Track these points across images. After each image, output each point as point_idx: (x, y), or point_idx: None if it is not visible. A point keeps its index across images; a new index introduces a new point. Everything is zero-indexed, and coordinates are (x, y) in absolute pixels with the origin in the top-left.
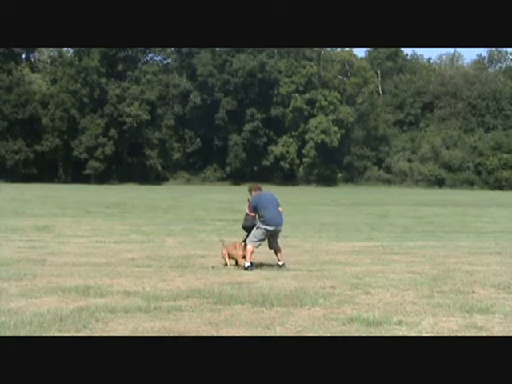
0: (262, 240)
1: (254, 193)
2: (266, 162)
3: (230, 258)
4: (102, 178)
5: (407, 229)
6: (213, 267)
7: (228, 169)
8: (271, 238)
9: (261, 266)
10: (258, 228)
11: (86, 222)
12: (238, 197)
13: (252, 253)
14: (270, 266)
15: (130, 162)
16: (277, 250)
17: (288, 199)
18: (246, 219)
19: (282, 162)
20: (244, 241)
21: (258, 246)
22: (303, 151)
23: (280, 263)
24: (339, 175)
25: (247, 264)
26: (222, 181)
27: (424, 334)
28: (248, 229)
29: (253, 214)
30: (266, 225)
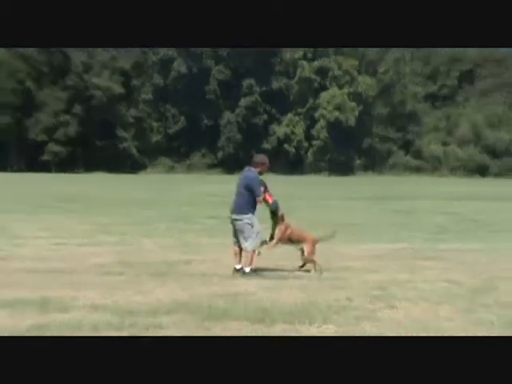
0: (235, 236)
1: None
2: (266, 146)
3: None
4: (65, 166)
5: (442, 228)
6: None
7: (220, 154)
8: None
9: (259, 272)
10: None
11: (45, 219)
12: (233, 188)
13: (235, 254)
14: (273, 271)
15: (98, 146)
16: (240, 249)
17: (293, 191)
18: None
19: (286, 146)
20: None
21: (236, 245)
22: (312, 132)
23: (237, 267)
24: (357, 162)
25: (247, 269)
26: (212, 169)
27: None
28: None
29: (262, 198)
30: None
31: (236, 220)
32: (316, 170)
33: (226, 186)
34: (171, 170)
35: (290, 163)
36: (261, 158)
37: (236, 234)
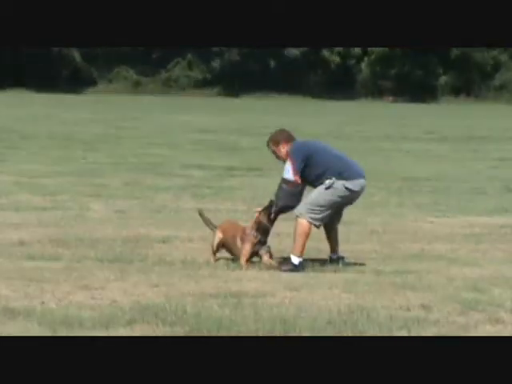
0: (329, 212)
1: (284, 145)
2: (292, 52)
3: (226, 250)
4: None
5: None
6: None
7: (216, 64)
8: (338, 212)
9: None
10: (329, 188)
11: None
12: (238, 120)
13: (307, 236)
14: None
15: (20, 51)
16: (336, 236)
17: (337, 127)
18: (284, 191)
19: (325, 53)
20: (272, 216)
21: (320, 225)
22: None
23: (337, 255)
24: (441, 79)
25: (297, 259)
26: (202, 87)
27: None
28: (287, 209)
29: (299, 181)
30: (350, 181)
31: (363, 189)
32: (373, 91)
33: (226, 116)
34: (136, 87)
35: (331, 80)
36: None
37: (334, 215)
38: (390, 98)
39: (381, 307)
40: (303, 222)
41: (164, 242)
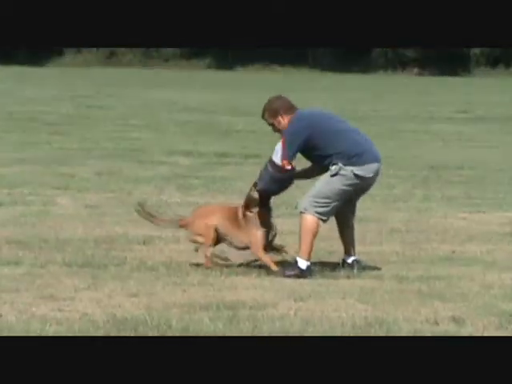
0: (338, 203)
1: (284, 116)
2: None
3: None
4: None
5: None
6: None
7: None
8: (350, 203)
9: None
10: (335, 176)
11: None
12: (232, 98)
13: (315, 235)
14: (313, 263)
15: None
16: (351, 235)
17: (351, 105)
18: (268, 174)
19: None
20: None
21: (327, 219)
22: None
23: (352, 259)
24: (475, 49)
25: (304, 263)
26: (189, 59)
27: None
28: (272, 193)
29: (289, 167)
30: (361, 166)
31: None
32: (394, 63)
33: (217, 93)
34: (110, 58)
35: (338, 59)
36: None
37: (346, 207)
38: (415, 71)
39: (403, 320)
40: (309, 218)
41: (144, 243)
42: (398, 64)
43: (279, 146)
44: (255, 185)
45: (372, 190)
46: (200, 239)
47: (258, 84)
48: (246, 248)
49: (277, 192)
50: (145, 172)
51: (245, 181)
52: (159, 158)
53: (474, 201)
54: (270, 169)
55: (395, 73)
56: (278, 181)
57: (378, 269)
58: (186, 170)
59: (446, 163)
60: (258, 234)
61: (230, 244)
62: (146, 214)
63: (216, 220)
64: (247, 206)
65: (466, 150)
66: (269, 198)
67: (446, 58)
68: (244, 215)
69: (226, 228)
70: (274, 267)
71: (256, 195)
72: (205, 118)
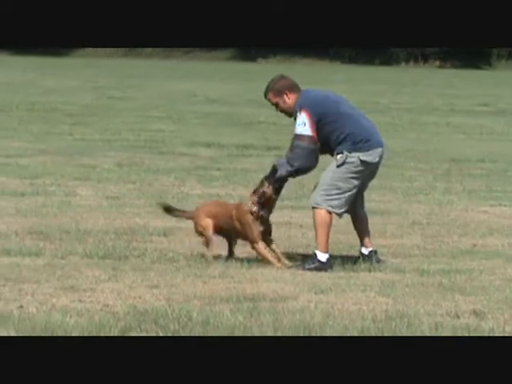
0: (350, 193)
1: (289, 94)
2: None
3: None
4: None
5: None
6: None
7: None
8: (360, 194)
9: (292, 258)
10: (342, 165)
11: None
12: (254, 89)
13: (329, 226)
14: (332, 256)
15: None
16: (365, 225)
17: (372, 98)
18: (300, 148)
19: None
20: (276, 191)
21: (342, 212)
22: None
23: (369, 250)
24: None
25: (323, 255)
26: (211, 50)
27: None
28: (304, 171)
29: (316, 137)
30: (366, 152)
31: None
32: (416, 55)
33: (239, 85)
34: (131, 49)
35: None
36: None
37: (362, 188)
38: (436, 63)
39: (424, 313)
40: (321, 212)
41: (165, 234)
42: (420, 57)
43: (303, 119)
44: (267, 180)
45: (393, 183)
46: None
47: None
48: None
49: (314, 166)
50: (166, 163)
51: (266, 172)
52: (180, 149)
53: (495, 194)
54: (302, 143)
55: (417, 65)
56: (313, 152)
57: (399, 262)
58: (207, 162)
59: (468, 156)
60: (255, 230)
61: (229, 238)
62: (174, 211)
63: (214, 215)
64: (259, 201)
65: (487, 143)
66: (282, 187)
67: (467, 51)
68: (241, 211)
69: (224, 223)
70: (274, 261)
71: (270, 190)
72: (226, 109)
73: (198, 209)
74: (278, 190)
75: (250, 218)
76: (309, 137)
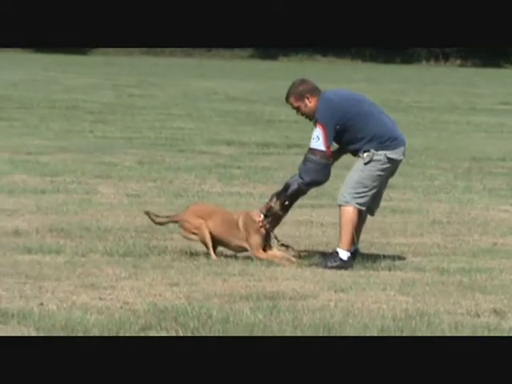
0: (375, 191)
1: (311, 98)
2: None
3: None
4: None
5: None
6: None
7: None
8: (380, 193)
9: (309, 256)
10: (369, 163)
11: None
12: (275, 87)
13: (356, 225)
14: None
15: None
16: (363, 224)
17: (393, 96)
18: (313, 163)
19: None
20: (285, 204)
21: (366, 208)
22: None
23: (354, 248)
24: None
25: (346, 254)
26: (232, 48)
27: None
28: (314, 185)
29: (331, 151)
30: (392, 150)
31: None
32: (437, 53)
33: (260, 83)
34: (149, 50)
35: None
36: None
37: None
38: (457, 62)
39: (444, 312)
40: (349, 210)
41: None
42: (441, 55)
43: (317, 133)
44: (278, 197)
45: (413, 181)
46: (194, 237)
47: (300, 74)
48: (244, 251)
49: (325, 179)
50: (186, 161)
51: (287, 171)
52: (201, 147)
53: None
54: (314, 157)
55: (437, 64)
56: (325, 167)
57: (419, 260)
58: (228, 160)
59: (488, 155)
60: (257, 238)
61: (227, 246)
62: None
63: (211, 224)
64: (267, 215)
65: (508, 142)
66: (291, 204)
67: (488, 49)
68: (249, 219)
69: (221, 232)
70: (281, 261)
71: (277, 206)
72: (247, 107)
73: (187, 210)
74: (285, 208)
75: (256, 226)
76: (321, 152)
